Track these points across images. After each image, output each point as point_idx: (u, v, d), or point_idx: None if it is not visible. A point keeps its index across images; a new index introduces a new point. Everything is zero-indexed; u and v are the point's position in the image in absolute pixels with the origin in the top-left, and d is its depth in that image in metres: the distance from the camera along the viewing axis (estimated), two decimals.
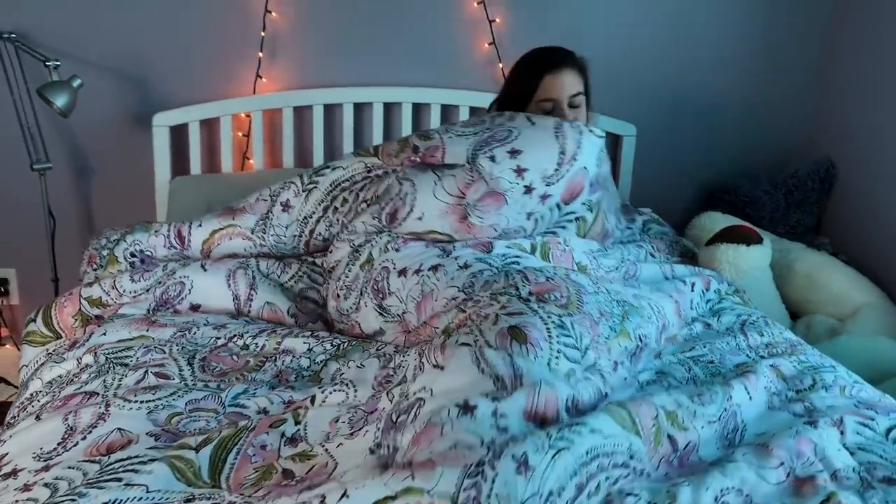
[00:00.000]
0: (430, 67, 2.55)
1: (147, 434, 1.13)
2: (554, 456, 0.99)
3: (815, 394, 1.39)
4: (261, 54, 2.41)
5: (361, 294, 1.56)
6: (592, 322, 1.29)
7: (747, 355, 1.54)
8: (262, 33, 2.39)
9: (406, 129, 2.54)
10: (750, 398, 1.33)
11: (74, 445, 1.11)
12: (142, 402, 1.20)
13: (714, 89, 2.75)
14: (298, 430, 1.15)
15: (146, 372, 1.31)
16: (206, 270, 1.70)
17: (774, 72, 2.77)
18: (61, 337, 1.60)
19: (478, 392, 1.08)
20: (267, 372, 1.38)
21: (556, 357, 1.19)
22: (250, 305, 1.67)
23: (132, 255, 1.79)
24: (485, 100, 2.53)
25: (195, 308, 1.65)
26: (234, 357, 1.41)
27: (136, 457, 1.05)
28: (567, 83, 1.82)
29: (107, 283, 1.65)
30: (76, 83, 2.08)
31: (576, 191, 1.70)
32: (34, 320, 1.64)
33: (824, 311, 2.26)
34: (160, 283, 1.66)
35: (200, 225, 1.82)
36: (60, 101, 2.02)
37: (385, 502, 0.92)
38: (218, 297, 1.67)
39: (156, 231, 1.80)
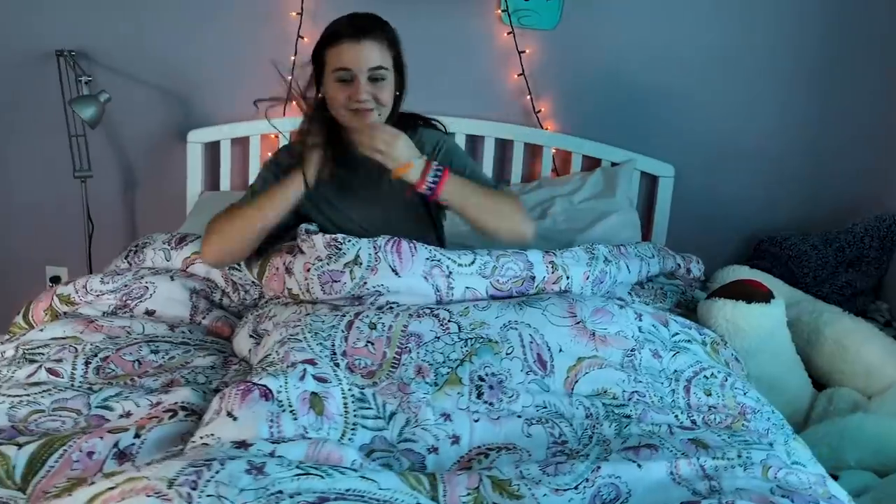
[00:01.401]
0: (457, 97, 2.53)
1: None
2: (299, 476, 0.97)
3: (729, 472, 1.22)
4: (290, 77, 2.49)
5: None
6: (401, 385, 1.34)
7: (677, 416, 1.40)
8: (293, 57, 2.47)
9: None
10: (639, 466, 1.20)
11: None
12: (10, 396, 1.25)
13: (767, 132, 2.54)
14: (134, 444, 1.15)
15: (40, 367, 1.37)
16: (173, 280, 1.76)
17: (836, 117, 2.52)
18: (33, 328, 1.71)
19: (261, 440, 1.10)
20: (158, 380, 1.40)
21: (353, 429, 1.24)
22: (205, 316, 1.72)
23: (135, 245, 1.90)
24: (512, 132, 2.50)
25: (149, 313, 1.72)
26: (136, 363, 1.45)
27: None
28: (367, 55, 1.58)
29: (79, 283, 1.75)
30: (104, 98, 2.24)
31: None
32: (20, 313, 1.77)
33: (853, 385, 2.01)
34: (126, 285, 1.73)
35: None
36: (87, 113, 2.19)
37: (104, 493, 0.91)
38: (176, 304, 1.73)
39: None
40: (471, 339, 1.44)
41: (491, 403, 1.35)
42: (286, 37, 2.47)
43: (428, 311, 1.50)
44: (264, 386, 1.22)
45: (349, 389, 1.31)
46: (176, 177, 2.58)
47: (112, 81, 2.50)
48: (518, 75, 2.48)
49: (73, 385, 1.35)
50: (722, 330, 1.85)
